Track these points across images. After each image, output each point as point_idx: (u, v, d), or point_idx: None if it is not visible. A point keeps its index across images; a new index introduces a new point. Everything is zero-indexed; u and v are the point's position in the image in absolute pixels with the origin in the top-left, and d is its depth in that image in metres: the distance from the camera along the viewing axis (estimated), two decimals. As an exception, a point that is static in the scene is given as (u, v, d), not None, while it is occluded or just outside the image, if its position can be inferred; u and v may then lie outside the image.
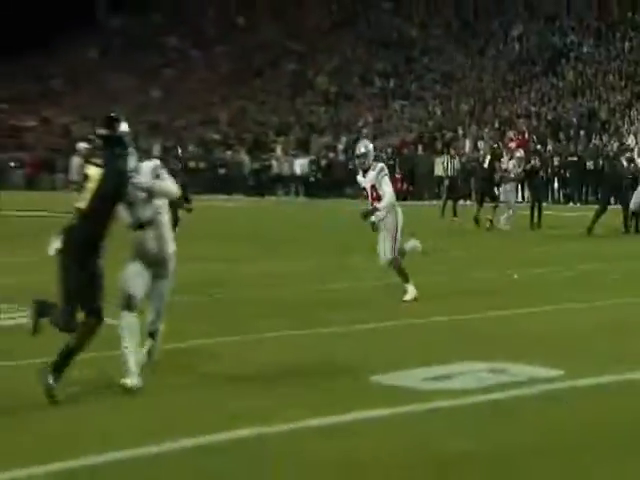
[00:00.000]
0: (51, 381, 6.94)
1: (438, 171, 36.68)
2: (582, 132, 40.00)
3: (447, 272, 17.15)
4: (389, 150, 44.03)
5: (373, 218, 13.16)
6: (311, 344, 10.61)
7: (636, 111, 39.18)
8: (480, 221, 25.98)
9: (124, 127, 7.37)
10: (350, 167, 43.26)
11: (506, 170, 26.62)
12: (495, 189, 27.68)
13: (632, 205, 23.20)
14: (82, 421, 7.39)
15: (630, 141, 26.49)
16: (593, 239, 23.29)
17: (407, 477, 6.17)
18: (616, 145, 31.51)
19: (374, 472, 6.32)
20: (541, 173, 28.32)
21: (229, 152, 50.09)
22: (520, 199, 28.10)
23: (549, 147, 36.24)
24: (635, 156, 24.55)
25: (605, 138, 37.15)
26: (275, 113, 53.21)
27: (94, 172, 6.97)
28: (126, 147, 7.30)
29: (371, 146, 13.85)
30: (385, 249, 13.16)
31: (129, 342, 7.47)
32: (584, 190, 36.51)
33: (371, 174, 13.25)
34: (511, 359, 9.00)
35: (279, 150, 47.12)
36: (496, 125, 42.88)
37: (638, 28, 47.12)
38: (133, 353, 7.56)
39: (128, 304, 7.44)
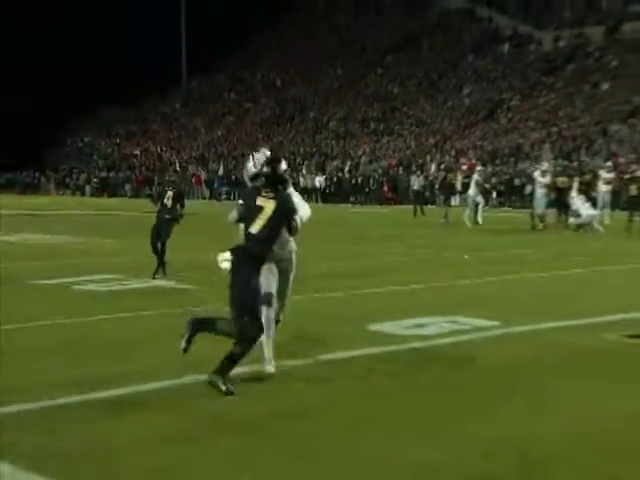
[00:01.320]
0: (222, 384, 5.86)
1: (413, 185, 36.73)
2: (512, 159, 40.15)
3: (423, 252, 16.76)
4: (380, 171, 44.08)
5: None
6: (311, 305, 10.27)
7: (548, 144, 39.04)
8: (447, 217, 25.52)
9: (284, 166, 6.49)
10: (353, 182, 43.98)
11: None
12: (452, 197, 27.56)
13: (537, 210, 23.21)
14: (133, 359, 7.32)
15: (544, 166, 26.41)
16: (521, 232, 23.04)
17: (388, 394, 6.20)
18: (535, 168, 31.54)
19: (362, 395, 6.33)
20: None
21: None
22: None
23: (489, 169, 36.09)
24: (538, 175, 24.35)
25: (528, 164, 37.09)
26: (301, 145, 53.20)
27: (265, 203, 6.19)
28: (288, 183, 6.55)
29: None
30: None
31: (266, 333, 6.39)
32: (512, 198, 36.44)
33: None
34: (462, 314, 9.05)
35: (304, 170, 47.12)
36: (453, 154, 42.76)
37: (552, 88, 47.03)
38: (269, 343, 6.48)
39: (267, 300, 6.52)
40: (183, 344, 6.13)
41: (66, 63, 65.86)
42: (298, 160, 49.66)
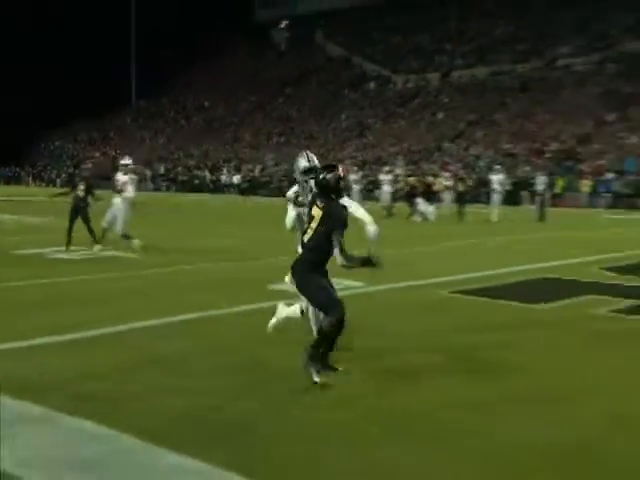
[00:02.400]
0: (315, 371, 4.66)
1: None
2: (374, 166, 40.44)
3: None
4: (281, 172, 43.98)
5: None
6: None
7: (401, 156, 39.62)
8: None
9: (339, 173, 4.95)
10: (262, 180, 43.76)
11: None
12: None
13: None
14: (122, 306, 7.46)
15: (395, 170, 26.81)
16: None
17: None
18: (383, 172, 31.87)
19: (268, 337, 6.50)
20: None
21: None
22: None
23: (360, 173, 36.42)
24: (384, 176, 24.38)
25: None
26: (223, 152, 52.64)
27: (316, 213, 4.89)
28: (340, 192, 5.01)
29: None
30: None
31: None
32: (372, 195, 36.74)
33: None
34: (343, 277, 9.28)
35: (225, 170, 46.61)
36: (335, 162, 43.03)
37: (403, 116, 47.83)
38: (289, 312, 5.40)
39: None
40: (316, 378, 4.65)
41: (42, 80, 64.64)
42: (221, 163, 49.39)
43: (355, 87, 55.33)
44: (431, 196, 23.39)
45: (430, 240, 15.29)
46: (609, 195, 30.49)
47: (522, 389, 4.67)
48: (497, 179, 23.18)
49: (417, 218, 21.99)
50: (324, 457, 3.50)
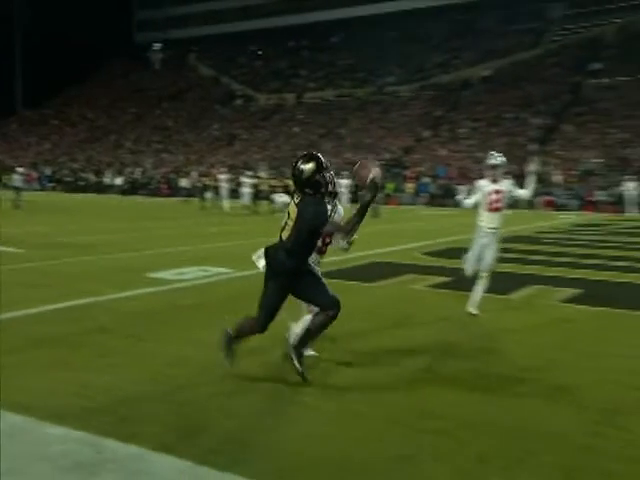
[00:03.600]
0: (296, 360, 3.86)
1: (180, 184, 35.10)
2: (242, 170, 40.18)
3: (186, 227, 15.67)
4: (159, 175, 42.46)
5: None
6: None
7: (265, 162, 39.66)
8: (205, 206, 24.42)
9: (310, 166, 3.78)
10: (143, 182, 41.80)
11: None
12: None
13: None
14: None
15: (259, 173, 26.88)
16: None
17: (164, 311, 6.23)
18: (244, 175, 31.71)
19: (149, 316, 6.31)
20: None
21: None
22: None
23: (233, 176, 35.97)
24: (244, 178, 24.40)
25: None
26: (106, 156, 49.76)
27: (292, 209, 3.81)
28: (317, 187, 3.76)
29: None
30: None
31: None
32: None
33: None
34: (209, 265, 9.15)
35: (108, 173, 44.09)
36: (207, 166, 42.09)
37: (265, 128, 47.83)
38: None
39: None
40: (299, 367, 3.87)
41: None
42: (104, 166, 46.66)
43: (224, 103, 54.53)
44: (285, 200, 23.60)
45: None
46: (427, 195, 32.36)
47: (360, 346, 4.85)
48: (345, 183, 23.85)
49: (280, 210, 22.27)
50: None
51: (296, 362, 3.84)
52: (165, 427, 3.28)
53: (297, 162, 3.82)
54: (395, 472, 2.85)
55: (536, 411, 3.59)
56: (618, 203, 24.80)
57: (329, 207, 3.90)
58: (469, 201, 6.19)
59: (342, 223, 3.87)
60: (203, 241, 12.73)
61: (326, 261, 4.79)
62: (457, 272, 8.15)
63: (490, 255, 6.06)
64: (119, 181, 42.32)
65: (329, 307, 3.78)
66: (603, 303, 6.76)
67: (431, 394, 3.82)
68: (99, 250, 10.83)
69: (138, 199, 35.14)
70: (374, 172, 3.72)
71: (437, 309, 6.46)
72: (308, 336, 3.91)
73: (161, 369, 4.26)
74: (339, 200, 4.11)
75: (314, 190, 3.75)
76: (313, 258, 4.09)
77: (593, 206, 26.90)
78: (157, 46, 64.49)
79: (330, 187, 3.83)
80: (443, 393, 3.84)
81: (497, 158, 6.05)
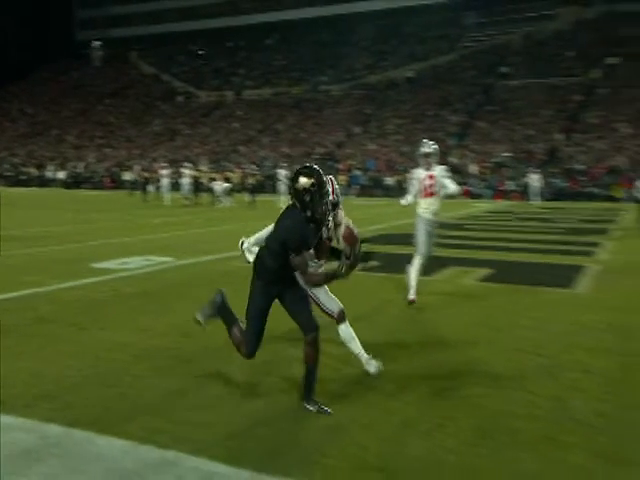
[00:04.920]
0: (312, 407, 3.13)
1: (123, 177, 33.69)
2: (183, 163, 39.34)
3: (130, 219, 15.21)
4: (103, 169, 40.83)
5: None
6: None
7: (206, 156, 38.84)
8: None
9: (303, 181, 3.08)
10: (86, 175, 40.04)
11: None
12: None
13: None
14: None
15: (202, 166, 26.35)
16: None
17: (109, 301, 6.00)
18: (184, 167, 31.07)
19: (92, 305, 6.08)
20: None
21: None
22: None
23: (171, 170, 35.09)
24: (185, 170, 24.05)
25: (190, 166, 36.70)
26: (47, 151, 47.28)
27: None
28: (305, 206, 3.11)
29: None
30: None
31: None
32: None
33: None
34: (152, 255, 8.91)
35: (51, 167, 41.95)
36: (149, 160, 40.86)
37: (205, 124, 46.84)
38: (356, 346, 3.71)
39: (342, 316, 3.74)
40: (200, 317, 3.45)
41: None
42: (45, 161, 44.36)
43: (165, 99, 52.92)
44: (227, 186, 23.38)
45: (228, 221, 15.11)
46: (358, 186, 32.70)
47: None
48: (284, 174, 23.44)
49: (225, 203, 22.09)
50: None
51: (316, 411, 3.12)
52: (108, 410, 3.19)
53: (301, 168, 3.19)
54: (326, 441, 2.87)
55: (455, 380, 3.68)
56: (524, 192, 25.92)
57: (329, 220, 3.40)
58: (405, 201, 5.91)
59: (314, 271, 3.35)
60: (146, 232, 12.40)
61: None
62: (389, 257, 8.30)
63: (429, 241, 5.90)
64: (62, 175, 40.40)
65: (308, 329, 3.12)
66: (511, 281, 7.02)
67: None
68: (43, 242, 10.32)
69: (82, 192, 33.65)
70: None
71: (373, 292, 6.45)
72: (310, 380, 3.16)
73: (104, 355, 4.12)
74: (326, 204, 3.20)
75: (300, 206, 3.08)
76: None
77: (503, 195, 28.02)
78: (97, 44, 61.92)
79: (316, 215, 3.09)
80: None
81: (430, 146, 5.80)
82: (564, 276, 7.33)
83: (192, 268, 7.92)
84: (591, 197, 26.12)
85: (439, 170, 5.88)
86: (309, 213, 3.08)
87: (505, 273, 7.56)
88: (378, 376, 3.61)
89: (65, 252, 9.36)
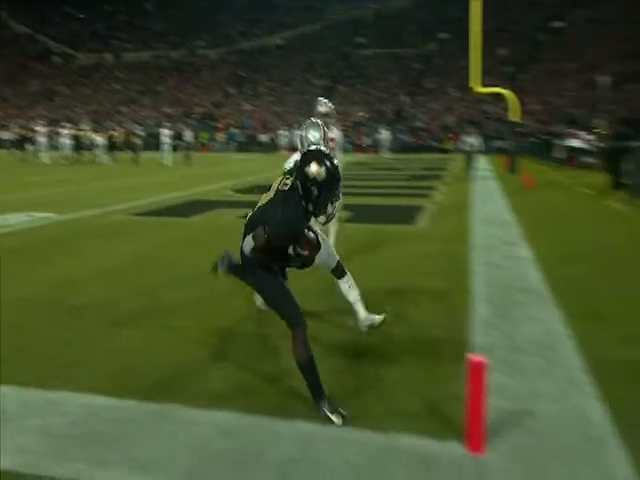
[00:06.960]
0: (328, 410, 2.23)
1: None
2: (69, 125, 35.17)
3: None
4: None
5: None
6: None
7: (88, 116, 35.14)
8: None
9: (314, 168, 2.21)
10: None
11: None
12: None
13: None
14: None
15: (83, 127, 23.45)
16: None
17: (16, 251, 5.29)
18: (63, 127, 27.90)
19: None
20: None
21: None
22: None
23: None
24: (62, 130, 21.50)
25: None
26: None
27: (274, 185, 2.50)
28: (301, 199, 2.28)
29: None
30: None
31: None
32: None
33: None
34: (32, 211, 7.93)
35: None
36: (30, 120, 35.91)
37: (87, 86, 41.96)
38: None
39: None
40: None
41: None
42: None
43: (41, 60, 46.32)
44: (111, 146, 21.55)
45: (111, 178, 14.00)
46: (236, 143, 31.85)
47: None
48: (167, 133, 21.72)
49: (105, 161, 20.34)
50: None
51: (333, 416, 2.25)
52: (4, 362, 2.86)
53: (315, 151, 2.30)
54: (213, 373, 2.84)
55: (318, 327, 3.21)
56: (377, 146, 26.93)
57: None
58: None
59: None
60: (27, 189, 11.12)
61: (144, 203, 4.39)
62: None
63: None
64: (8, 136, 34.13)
65: (295, 323, 2.32)
66: (370, 221, 7.20)
67: (220, 308, 3.78)
68: None
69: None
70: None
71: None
72: (313, 381, 2.31)
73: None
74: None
75: (303, 195, 2.25)
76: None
77: (361, 149, 28.92)
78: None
79: (318, 213, 2.29)
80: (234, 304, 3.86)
81: (327, 105, 4.39)
82: (408, 215, 7.61)
83: (74, 223, 7.23)
84: (430, 149, 27.88)
85: (337, 134, 4.56)
86: (311, 208, 2.26)
87: (362, 215, 7.74)
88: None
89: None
